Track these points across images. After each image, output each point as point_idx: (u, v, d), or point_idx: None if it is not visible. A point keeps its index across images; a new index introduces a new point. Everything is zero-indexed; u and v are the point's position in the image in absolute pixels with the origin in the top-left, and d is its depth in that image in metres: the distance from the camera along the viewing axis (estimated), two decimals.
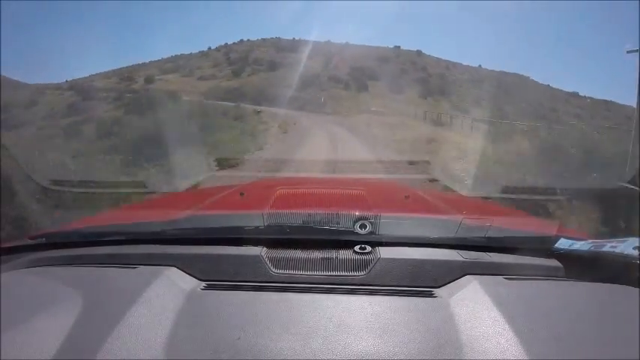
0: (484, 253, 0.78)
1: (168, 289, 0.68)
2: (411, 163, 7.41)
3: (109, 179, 5.22)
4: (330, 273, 0.72)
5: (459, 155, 7.85)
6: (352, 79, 25.81)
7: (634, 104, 6.79)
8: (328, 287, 0.68)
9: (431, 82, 27.26)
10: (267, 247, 0.80)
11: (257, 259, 0.75)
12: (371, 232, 0.81)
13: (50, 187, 3.65)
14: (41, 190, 3.50)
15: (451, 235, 0.83)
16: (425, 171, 6.50)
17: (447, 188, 4.82)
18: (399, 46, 35.22)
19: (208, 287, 0.70)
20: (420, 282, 0.69)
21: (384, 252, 0.76)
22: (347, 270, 0.73)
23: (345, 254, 0.76)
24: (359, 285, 0.69)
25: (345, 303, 0.63)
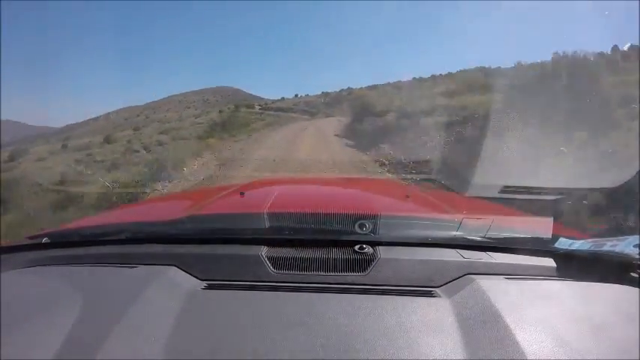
0: (484, 253, 0.78)
1: (168, 289, 0.68)
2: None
3: None
4: (329, 273, 0.72)
5: None
6: None
7: None
8: (328, 287, 0.68)
9: None
10: (267, 247, 0.80)
11: (257, 259, 0.75)
12: (371, 232, 0.81)
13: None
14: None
15: (451, 234, 0.83)
16: None
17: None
18: None
19: (208, 287, 0.70)
20: (420, 281, 0.69)
21: (384, 252, 0.76)
22: (347, 270, 0.73)
23: (344, 254, 0.76)
24: (359, 285, 0.69)
25: (345, 303, 0.63)
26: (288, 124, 25.62)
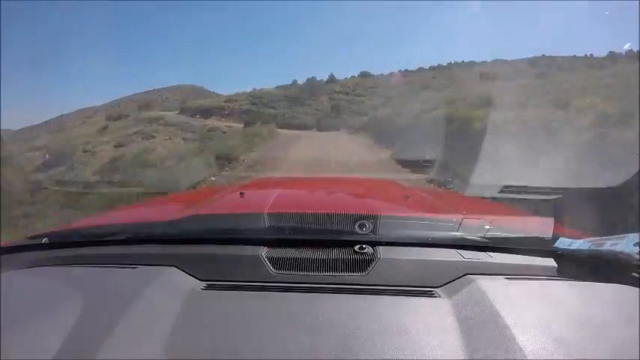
0: (484, 253, 0.78)
1: (168, 289, 0.68)
2: None
3: None
4: (329, 273, 0.72)
5: None
6: None
7: None
8: (328, 287, 0.68)
9: None
10: (267, 248, 0.80)
11: (257, 259, 0.75)
12: (371, 232, 0.81)
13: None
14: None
15: (451, 234, 0.83)
16: None
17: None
18: None
19: (208, 287, 0.70)
20: (421, 282, 0.69)
21: (384, 252, 0.76)
22: (347, 270, 0.73)
23: (344, 254, 0.76)
24: (359, 285, 0.69)
25: (345, 303, 0.63)
26: None
